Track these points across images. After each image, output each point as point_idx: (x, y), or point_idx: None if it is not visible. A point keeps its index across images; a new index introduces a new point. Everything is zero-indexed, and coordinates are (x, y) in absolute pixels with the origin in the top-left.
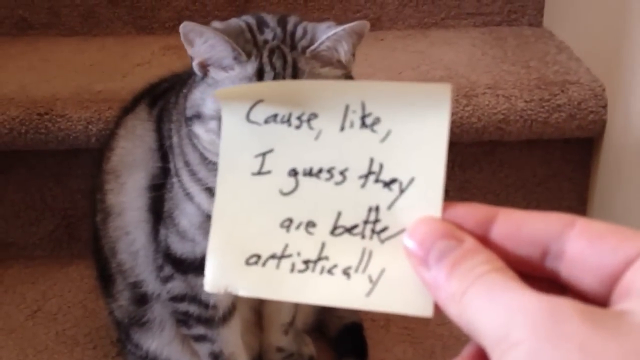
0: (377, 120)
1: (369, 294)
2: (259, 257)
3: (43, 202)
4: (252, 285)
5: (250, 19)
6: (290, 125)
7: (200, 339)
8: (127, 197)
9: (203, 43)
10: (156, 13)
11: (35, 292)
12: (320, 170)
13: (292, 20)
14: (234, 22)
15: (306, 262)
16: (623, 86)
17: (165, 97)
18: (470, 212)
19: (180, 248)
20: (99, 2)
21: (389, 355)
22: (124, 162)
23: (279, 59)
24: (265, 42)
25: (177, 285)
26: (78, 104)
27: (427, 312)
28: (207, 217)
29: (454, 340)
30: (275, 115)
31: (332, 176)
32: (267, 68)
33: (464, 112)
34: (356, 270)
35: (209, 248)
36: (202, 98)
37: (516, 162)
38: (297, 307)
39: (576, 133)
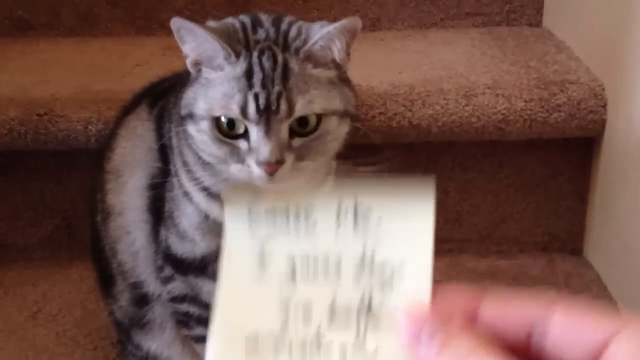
0: (368, 210)
1: None
2: (258, 341)
3: (43, 203)
4: None
5: (246, 19)
6: (288, 219)
7: (201, 339)
8: (128, 196)
9: (193, 40)
10: (155, 13)
11: (36, 294)
12: (316, 260)
13: (286, 20)
14: (228, 21)
15: (304, 342)
16: (623, 85)
17: (165, 96)
18: (458, 296)
19: (180, 248)
20: (99, 3)
21: None
22: (125, 162)
23: (269, 59)
24: (257, 42)
25: (178, 286)
26: (77, 104)
27: None
28: (205, 217)
29: None
30: (274, 210)
31: (327, 265)
32: (256, 68)
33: (464, 112)
34: (353, 347)
35: (211, 344)
36: (194, 98)
37: (516, 162)
38: None
39: (576, 133)
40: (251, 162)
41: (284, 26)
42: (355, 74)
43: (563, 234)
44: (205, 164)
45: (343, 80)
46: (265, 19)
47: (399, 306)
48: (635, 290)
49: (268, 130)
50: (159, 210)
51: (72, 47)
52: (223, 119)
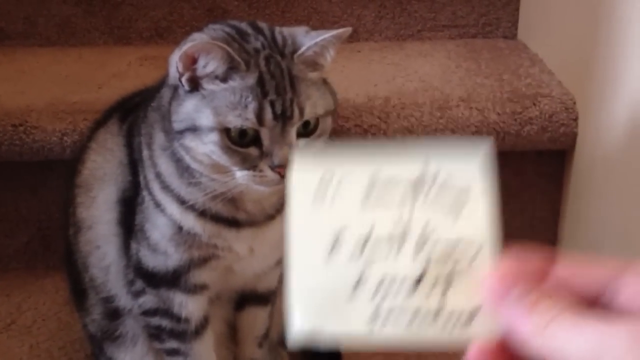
0: (446, 179)
1: (439, 327)
2: (338, 300)
3: (18, 213)
4: (337, 328)
5: (229, 28)
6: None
7: (173, 353)
8: (98, 210)
9: (205, 58)
10: (133, 23)
11: (10, 305)
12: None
13: (265, 27)
14: (217, 30)
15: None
16: (594, 99)
17: (136, 111)
18: (532, 257)
19: (151, 261)
20: (76, 12)
21: None
22: (95, 176)
23: (276, 67)
24: (256, 50)
25: (149, 300)
26: (53, 115)
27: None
28: (179, 229)
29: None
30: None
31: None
32: (267, 77)
33: (438, 124)
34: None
35: (292, 300)
36: (196, 111)
37: None
38: (271, 319)
39: (548, 145)
40: (264, 167)
41: (267, 33)
42: (332, 84)
43: (537, 244)
44: (188, 177)
45: (324, 79)
46: (244, 26)
47: (469, 268)
48: None
49: (282, 135)
50: (129, 224)
51: (48, 57)
52: (234, 129)
